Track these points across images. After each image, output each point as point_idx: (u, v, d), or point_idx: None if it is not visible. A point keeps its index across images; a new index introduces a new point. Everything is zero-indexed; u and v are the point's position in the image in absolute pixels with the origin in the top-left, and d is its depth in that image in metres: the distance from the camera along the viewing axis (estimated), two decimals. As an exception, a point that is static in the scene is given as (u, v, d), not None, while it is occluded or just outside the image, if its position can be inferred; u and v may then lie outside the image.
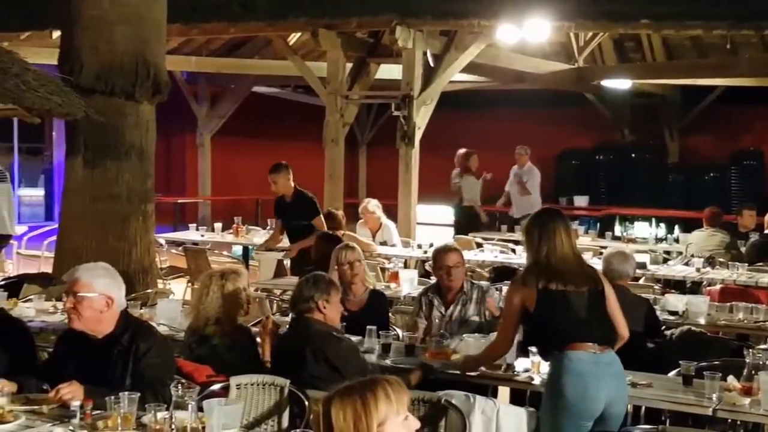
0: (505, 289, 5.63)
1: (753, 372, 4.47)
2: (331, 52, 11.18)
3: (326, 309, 4.81)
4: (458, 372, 4.90)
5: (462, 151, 12.84)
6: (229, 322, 4.95)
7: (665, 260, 9.76)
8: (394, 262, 8.97)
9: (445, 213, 16.46)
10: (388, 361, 5.11)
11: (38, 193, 18.58)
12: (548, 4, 9.81)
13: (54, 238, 8.89)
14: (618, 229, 12.41)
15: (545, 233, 4.42)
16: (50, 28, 11.03)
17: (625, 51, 14.81)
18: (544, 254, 4.40)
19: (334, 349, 4.65)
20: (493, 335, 4.93)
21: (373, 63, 11.66)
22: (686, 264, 9.21)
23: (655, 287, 8.00)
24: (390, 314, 6.37)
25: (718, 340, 6.04)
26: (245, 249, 11.02)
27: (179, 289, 9.87)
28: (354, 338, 5.15)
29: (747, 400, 4.38)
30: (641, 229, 11.92)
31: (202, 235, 11.31)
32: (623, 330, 4.50)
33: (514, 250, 9.82)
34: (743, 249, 9.62)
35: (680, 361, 4.75)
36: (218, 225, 11.48)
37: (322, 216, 8.82)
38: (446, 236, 11.77)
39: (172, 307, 6.14)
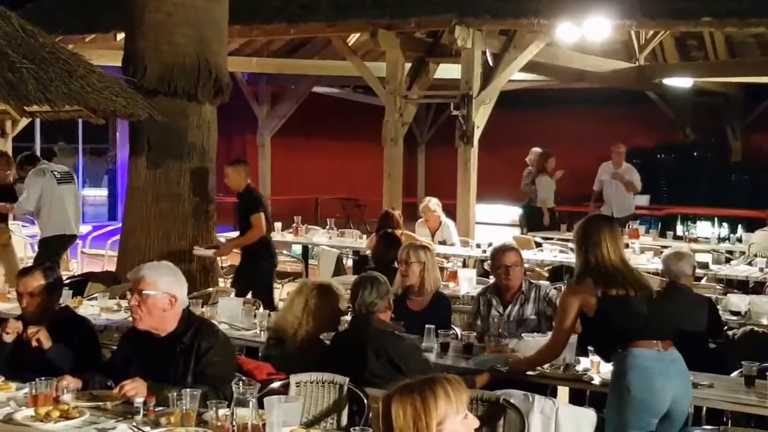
0: (563, 288, 5.61)
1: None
2: (390, 52, 11.20)
3: (386, 311, 4.87)
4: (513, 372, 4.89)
5: (539, 150, 12.75)
6: (308, 334, 4.95)
7: (728, 260, 9.60)
8: (452, 261, 8.95)
9: (504, 212, 16.41)
10: (470, 363, 5.11)
11: (102, 193, 18.90)
12: (608, 3, 9.73)
13: (117, 237, 9.05)
14: (680, 229, 12.24)
15: (593, 237, 4.43)
16: (114, 31, 11.25)
17: (687, 49, 14.57)
18: (594, 258, 4.41)
19: (395, 346, 4.68)
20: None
21: (432, 63, 11.66)
22: (749, 264, 9.05)
23: (717, 287, 7.87)
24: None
25: (781, 340, 5.92)
26: (305, 248, 11.09)
27: (240, 287, 9.95)
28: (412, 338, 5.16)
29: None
30: (703, 228, 11.75)
31: (263, 235, 11.37)
32: None
33: (573, 249, 9.72)
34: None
35: (742, 362, 4.70)
36: (278, 224, 11.52)
37: (262, 216, 8.15)
38: (506, 235, 11.72)
39: (232, 306, 6.21)
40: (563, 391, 4.98)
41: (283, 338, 4.98)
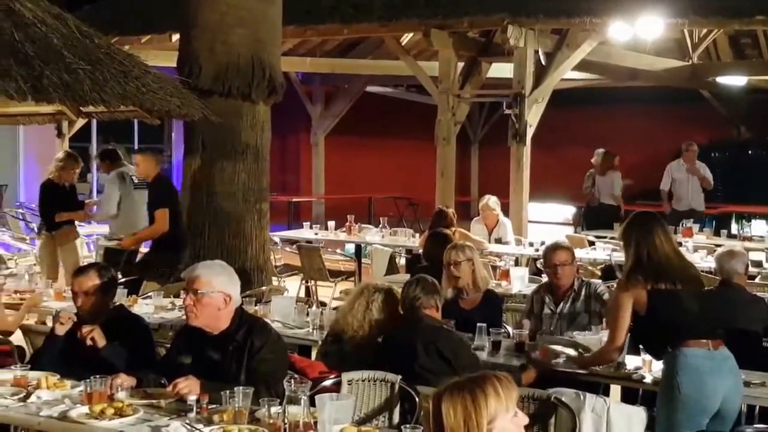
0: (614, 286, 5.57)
1: None
2: (443, 51, 11.19)
3: (433, 309, 4.91)
4: (569, 369, 4.87)
5: (602, 151, 12.62)
6: (367, 336, 4.97)
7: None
8: (505, 260, 8.91)
9: (558, 211, 16.27)
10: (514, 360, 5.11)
11: (158, 192, 19.11)
12: (661, 1, 9.66)
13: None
14: (734, 227, 12.03)
15: (643, 234, 4.43)
16: (169, 32, 11.38)
17: (740, 47, 14.38)
18: (646, 254, 4.39)
19: (445, 341, 4.73)
20: (603, 333, 4.89)
21: (484, 62, 11.63)
22: (804, 262, 8.90)
23: (772, 286, 7.74)
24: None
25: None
26: (358, 247, 11.12)
27: (293, 286, 10.04)
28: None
29: None
30: (758, 227, 11.55)
31: (316, 234, 11.44)
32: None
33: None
34: None
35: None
36: (331, 223, 11.61)
37: (167, 212, 8.01)
38: (559, 234, 11.63)
39: (286, 304, 6.24)
40: (615, 390, 4.97)
41: (341, 337, 5.02)
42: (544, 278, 6.32)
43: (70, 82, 5.40)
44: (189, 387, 3.95)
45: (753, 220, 12.40)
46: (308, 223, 12.35)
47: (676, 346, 4.29)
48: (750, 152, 17.26)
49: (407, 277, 6.67)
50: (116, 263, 7.80)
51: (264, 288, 7.69)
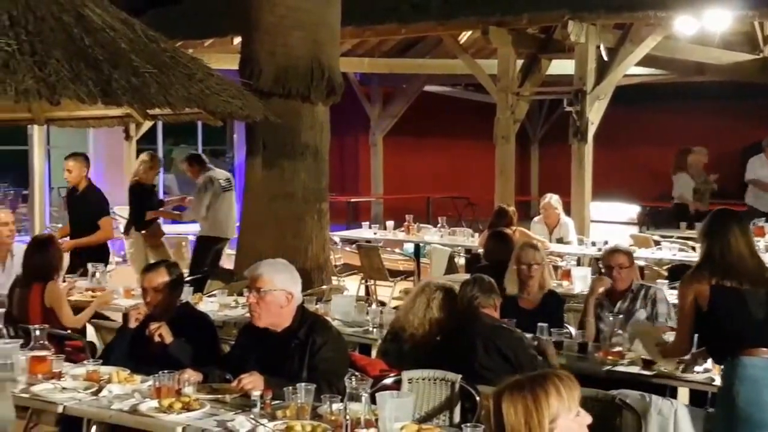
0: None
1: None
2: (502, 49, 11.13)
3: (491, 308, 4.92)
4: (634, 371, 4.83)
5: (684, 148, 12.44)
6: (427, 335, 4.99)
7: None
8: (566, 260, 8.85)
9: (621, 210, 16.08)
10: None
11: (221, 192, 19.39)
12: (728, -7, 9.46)
13: (235, 235, 9.30)
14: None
15: (718, 230, 4.35)
16: (231, 35, 11.52)
17: (815, 39, 13.99)
18: (718, 250, 4.31)
19: (504, 339, 4.73)
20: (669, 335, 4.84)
21: (544, 59, 11.53)
22: None
23: None
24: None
25: None
26: (417, 247, 11.13)
27: (353, 285, 10.10)
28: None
29: None
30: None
31: (375, 233, 11.49)
32: None
33: (693, 248, 9.48)
34: None
35: None
36: (390, 223, 11.63)
37: (111, 219, 8.27)
38: (622, 234, 11.51)
39: (346, 303, 6.30)
40: (683, 392, 4.89)
41: (400, 335, 5.05)
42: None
43: (138, 85, 5.52)
44: (253, 383, 4.01)
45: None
46: (367, 223, 12.40)
47: (736, 354, 4.18)
48: (825, 149, 16.78)
49: (466, 276, 6.66)
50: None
51: (324, 287, 7.74)
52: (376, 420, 3.64)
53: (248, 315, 4.53)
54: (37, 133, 12.28)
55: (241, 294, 6.64)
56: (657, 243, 10.21)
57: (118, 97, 5.43)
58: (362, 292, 10.11)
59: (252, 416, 3.80)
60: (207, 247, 9.55)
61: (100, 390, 4.22)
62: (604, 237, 9.72)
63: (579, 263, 9.14)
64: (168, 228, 11.44)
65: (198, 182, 9.64)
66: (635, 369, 4.92)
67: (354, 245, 10.90)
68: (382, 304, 6.95)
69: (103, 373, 4.41)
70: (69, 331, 5.91)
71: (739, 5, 9.47)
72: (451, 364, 4.56)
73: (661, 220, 12.28)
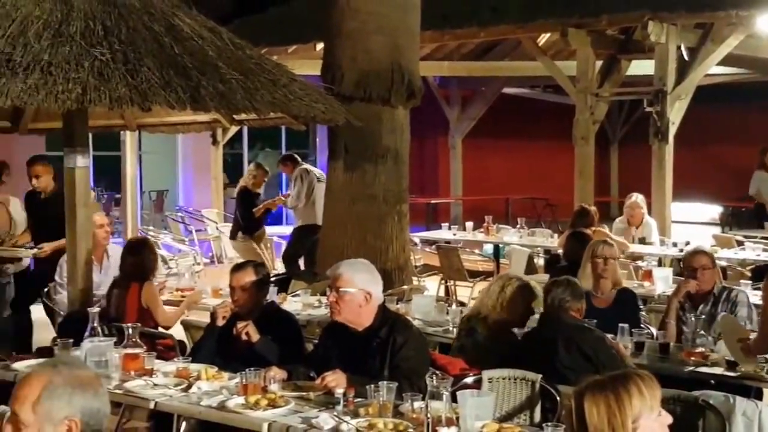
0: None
1: None
2: (581, 50, 11.09)
3: (577, 312, 4.98)
4: (717, 372, 4.81)
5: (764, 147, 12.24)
6: (498, 321, 5.13)
7: None
8: (647, 260, 8.78)
9: (703, 210, 15.83)
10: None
11: (305, 195, 19.68)
12: (814, -10, 9.27)
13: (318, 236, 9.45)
14: None
15: None
16: (314, 42, 11.71)
17: None
18: None
19: (585, 338, 4.76)
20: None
21: (623, 59, 11.45)
22: None
23: None
24: (644, 313, 6.31)
25: None
26: (496, 247, 11.15)
27: (433, 285, 10.16)
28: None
29: None
30: None
31: (454, 234, 11.54)
32: None
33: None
34: None
35: None
36: (469, 224, 11.67)
37: None
38: (704, 234, 11.35)
39: (426, 303, 6.38)
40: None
41: (474, 328, 5.15)
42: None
43: (225, 91, 5.67)
44: (337, 381, 4.09)
45: None
46: (446, 224, 12.46)
47: None
48: None
49: (546, 277, 6.69)
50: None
51: (405, 287, 7.82)
52: (457, 418, 3.69)
53: (330, 314, 4.63)
54: (129, 139, 12.80)
55: (323, 294, 6.74)
56: (740, 243, 10.06)
57: (206, 103, 5.59)
58: (442, 293, 10.17)
59: (335, 413, 3.88)
60: (304, 236, 10.11)
61: (189, 387, 4.34)
62: (685, 238, 9.61)
63: (660, 264, 9.06)
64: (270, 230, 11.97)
65: (294, 174, 10.47)
66: (719, 370, 4.89)
67: (434, 246, 10.97)
68: (462, 304, 7.01)
69: (193, 370, 4.54)
70: (160, 329, 6.13)
71: (824, 2, 9.28)
72: (533, 362, 4.60)
73: (743, 221, 12.08)
